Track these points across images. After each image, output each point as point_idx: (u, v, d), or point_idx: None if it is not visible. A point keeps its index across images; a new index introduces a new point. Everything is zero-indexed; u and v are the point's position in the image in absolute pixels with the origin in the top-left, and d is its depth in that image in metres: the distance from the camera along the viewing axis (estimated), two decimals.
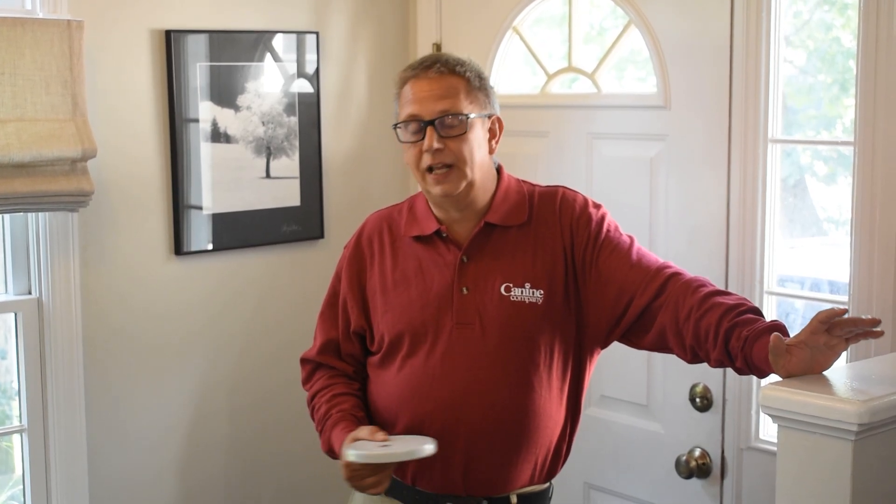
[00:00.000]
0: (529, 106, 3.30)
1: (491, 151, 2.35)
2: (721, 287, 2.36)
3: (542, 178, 3.24)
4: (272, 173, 3.34)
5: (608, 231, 2.32)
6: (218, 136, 3.22)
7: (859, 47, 2.49)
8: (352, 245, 2.47)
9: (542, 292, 2.28)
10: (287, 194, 3.37)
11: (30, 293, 2.99)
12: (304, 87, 3.40)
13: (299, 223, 3.40)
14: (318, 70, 3.42)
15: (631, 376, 3.05)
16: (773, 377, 2.05)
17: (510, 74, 3.39)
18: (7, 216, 2.95)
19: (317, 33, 3.41)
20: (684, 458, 2.92)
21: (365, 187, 3.57)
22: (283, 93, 3.35)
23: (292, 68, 3.37)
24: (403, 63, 3.57)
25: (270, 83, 3.32)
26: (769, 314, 2.77)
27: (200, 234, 3.23)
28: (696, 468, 2.90)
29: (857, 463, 1.92)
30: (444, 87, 2.27)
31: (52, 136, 2.80)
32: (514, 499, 2.34)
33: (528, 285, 2.29)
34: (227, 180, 3.26)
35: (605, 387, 3.12)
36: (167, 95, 3.14)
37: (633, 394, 3.06)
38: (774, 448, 2.38)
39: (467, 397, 2.26)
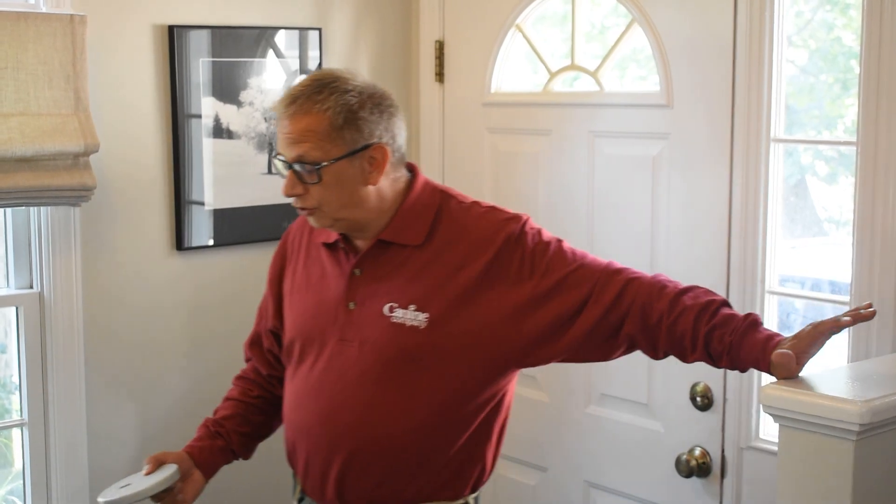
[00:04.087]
0: (532, 104, 3.30)
1: (372, 183, 2.18)
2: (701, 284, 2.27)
3: (545, 176, 3.24)
4: (274, 169, 3.33)
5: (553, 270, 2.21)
6: (220, 131, 3.22)
7: (862, 47, 2.48)
8: (280, 242, 2.45)
9: (427, 316, 2.17)
10: None
11: (31, 287, 2.99)
12: None
13: None
14: (320, 66, 3.41)
15: (631, 375, 3.05)
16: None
17: (513, 72, 3.39)
18: (9, 210, 2.95)
19: (319, 30, 3.41)
20: (684, 456, 2.92)
21: None
22: (285, 89, 3.34)
23: (294, 64, 3.37)
24: (406, 60, 3.59)
25: (273, 79, 3.32)
26: (770, 314, 2.77)
27: (202, 230, 3.23)
28: (696, 467, 2.90)
29: (858, 463, 1.93)
30: (300, 131, 2.14)
31: (55, 130, 2.80)
32: None
33: (412, 307, 2.19)
34: (229, 176, 3.26)
35: (605, 385, 3.12)
36: (169, 91, 3.14)
37: (633, 392, 3.06)
38: (775, 447, 2.39)
39: (341, 414, 2.21)
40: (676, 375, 2.94)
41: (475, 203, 2.30)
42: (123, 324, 3.13)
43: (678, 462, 2.93)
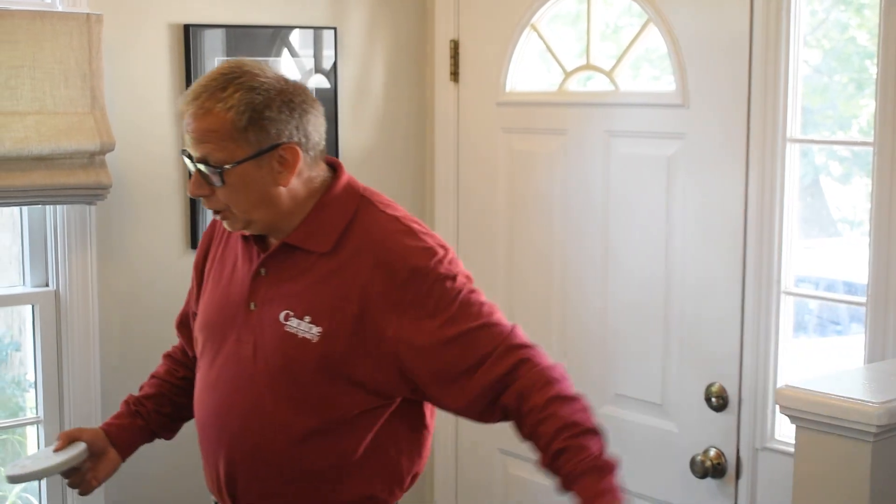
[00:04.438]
0: (547, 104, 3.30)
1: (283, 184, 2.07)
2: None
3: (560, 176, 3.24)
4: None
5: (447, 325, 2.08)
6: None
7: (879, 47, 2.48)
8: (208, 226, 2.38)
9: (320, 330, 2.07)
10: None
11: (47, 285, 3.00)
12: (321, 82, 3.40)
13: None
14: (335, 65, 3.42)
15: (646, 375, 3.05)
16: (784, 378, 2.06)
17: (527, 72, 3.39)
18: (25, 208, 2.96)
19: (334, 29, 3.42)
20: (699, 457, 2.91)
21: (381, 183, 3.54)
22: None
23: (309, 63, 3.37)
24: (421, 59, 3.59)
25: None
26: (786, 314, 2.76)
27: None
28: (710, 468, 2.90)
29: (875, 464, 1.93)
30: (203, 131, 2.03)
31: (71, 129, 2.81)
32: None
33: (307, 318, 2.09)
34: None
35: (619, 385, 3.11)
36: (185, 89, 3.14)
37: (647, 393, 3.06)
38: (790, 448, 2.39)
39: (229, 418, 2.15)
40: (691, 376, 2.94)
41: (396, 218, 2.16)
42: (138, 322, 3.14)
43: (693, 463, 2.93)
